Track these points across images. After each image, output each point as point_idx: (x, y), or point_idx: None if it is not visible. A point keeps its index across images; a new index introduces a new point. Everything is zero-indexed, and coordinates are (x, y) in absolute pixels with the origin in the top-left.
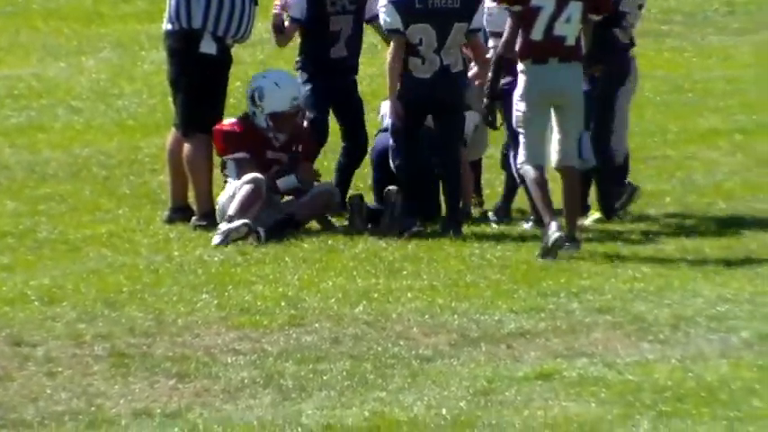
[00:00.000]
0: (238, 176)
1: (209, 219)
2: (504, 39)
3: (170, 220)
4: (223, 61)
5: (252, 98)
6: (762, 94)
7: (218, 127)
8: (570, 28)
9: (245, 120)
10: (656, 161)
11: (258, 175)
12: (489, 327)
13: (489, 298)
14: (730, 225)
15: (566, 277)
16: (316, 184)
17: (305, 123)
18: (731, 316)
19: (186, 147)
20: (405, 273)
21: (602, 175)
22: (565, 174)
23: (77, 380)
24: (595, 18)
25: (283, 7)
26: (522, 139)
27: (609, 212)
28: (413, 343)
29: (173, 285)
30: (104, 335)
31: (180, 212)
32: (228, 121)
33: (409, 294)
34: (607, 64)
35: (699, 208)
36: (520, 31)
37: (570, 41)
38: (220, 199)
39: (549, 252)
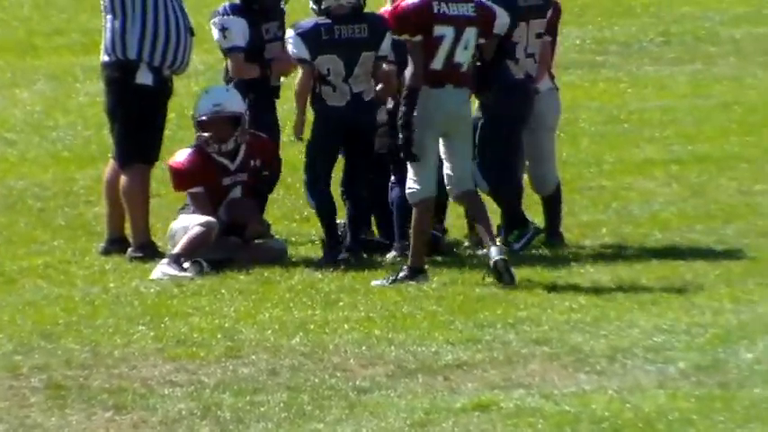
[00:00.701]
0: (195, 210)
1: (146, 250)
2: (411, 71)
3: (106, 252)
4: (160, 92)
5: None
6: (697, 124)
7: (171, 165)
8: (467, 54)
9: (199, 150)
10: (592, 191)
11: (211, 219)
12: (426, 358)
13: (426, 329)
14: (666, 255)
15: (502, 308)
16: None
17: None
18: (668, 347)
19: (123, 178)
20: (341, 304)
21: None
22: (466, 199)
23: (14, 411)
24: (483, 41)
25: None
26: (412, 168)
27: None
28: (350, 374)
29: (109, 317)
30: (41, 366)
31: (116, 244)
32: (183, 154)
33: (346, 326)
34: (496, 94)
35: (635, 238)
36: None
37: (465, 68)
38: (174, 225)
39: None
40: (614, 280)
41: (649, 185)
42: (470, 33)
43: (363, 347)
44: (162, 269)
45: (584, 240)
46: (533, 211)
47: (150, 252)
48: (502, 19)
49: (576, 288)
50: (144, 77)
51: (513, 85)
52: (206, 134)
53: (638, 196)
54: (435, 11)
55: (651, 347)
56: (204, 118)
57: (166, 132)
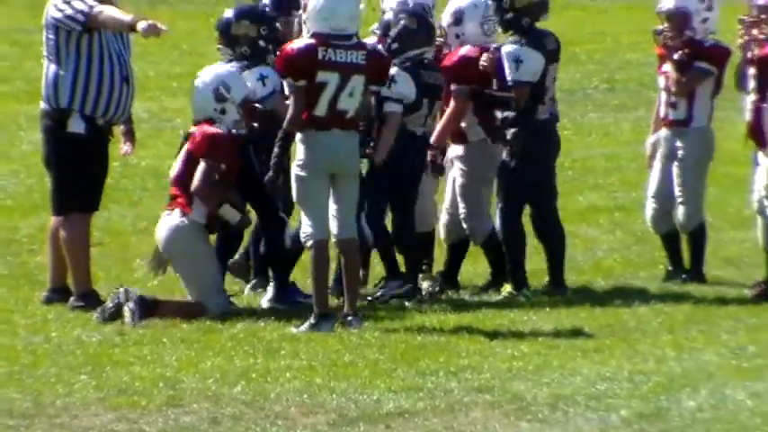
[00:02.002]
0: (203, 183)
1: (87, 300)
2: (289, 115)
3: (48, 301)
4: (94, 140)
5: (217, 94)
6: (641, 171)
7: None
8: (352, 101)
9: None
10: (536, 239)
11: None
12: (368, 406)
13: (368, 377)
14: (609, 303)
15: (444, 356)
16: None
17: None
18: (610, 394)
19: (62, 228)
20: (283, 352)
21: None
22: (345, 247)
23: None
24: (375, 89)
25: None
26: (303, 212)
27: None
28: (291, 423)
29: (51, 366)
30: None
31: (59, 293)
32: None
33: (288, 374)
34: (527, 138)
35: (578, 286)
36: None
37: (351, 114)
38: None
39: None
40: (557, 327)
41: (593, 233)
42: (357, 81)
43: (305, 396)
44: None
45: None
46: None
47: (92, 301)
48: (536, 65)
49: (518, 335)
50: (76, 126)
51: (542, 126)
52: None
53: (581, 243)
54: (320, 57)
55: (593, 395)
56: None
57: (109, 180)
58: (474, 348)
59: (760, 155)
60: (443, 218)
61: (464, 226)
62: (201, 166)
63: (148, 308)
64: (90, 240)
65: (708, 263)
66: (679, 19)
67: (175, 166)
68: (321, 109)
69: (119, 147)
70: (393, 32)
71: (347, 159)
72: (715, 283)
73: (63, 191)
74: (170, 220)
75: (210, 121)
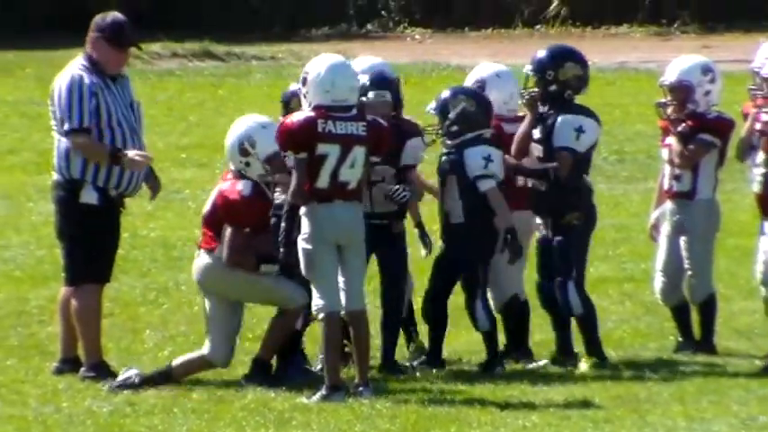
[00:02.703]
0: (231, 251)
1: (98, 370)
2: (292, 188)
3: (59, 372)
4: (107, 211)
5: (242, 149)
6: (650, 242)
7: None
8: (354, 173)
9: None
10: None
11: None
12: None
13: None
14: (620, 374)
15: (455, 427)
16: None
17: None
18: None
19: (74, 298)
20: (294, 423)
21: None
22: (353, 318)
23: None
24: (375, 160)
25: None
26: (313, 285)
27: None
28: None
29: None
30: None
31: (69, 364)
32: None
33: None
34: (583, 212)
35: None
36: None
37: (353, 185)
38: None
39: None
40: (568, 398)
41: (603, 303)
42: (358, 152)
43: None
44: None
45: (539, 358)
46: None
47: (103, 372)
48: (594, 136)
49: (529, 406)
50: (88, 197)
51: (590, 200)
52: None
53: None
54: (320, 129)
55: None
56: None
57: (120, 252)
58: (485, 419)
59: (766, 224)
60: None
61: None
62: (227, 233)
63: (165, 380)
64: (101, 311)
65: (718, 333)
66: (682, 91)
67: (206, 205)
68: (323, 181)
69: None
70: (452, 115)
71: (351, 230)
72: (726, 353)
73: (76, 261)
74: (198, 261)
75: (240, 174)
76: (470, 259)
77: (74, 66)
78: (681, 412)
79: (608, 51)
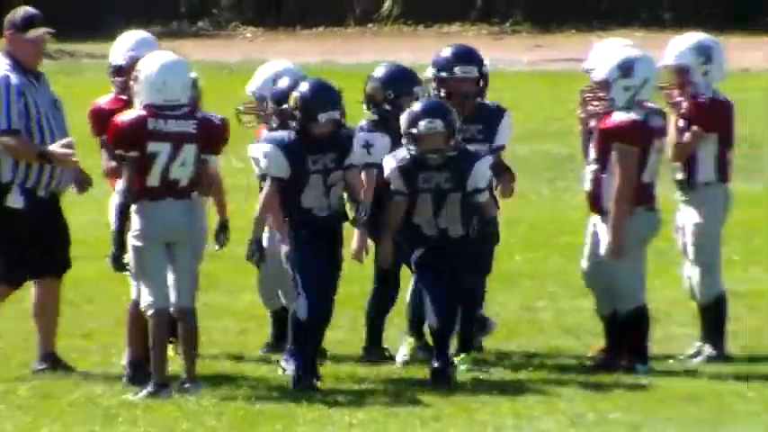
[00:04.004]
0: None
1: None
2: (123, 186)
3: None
4: (32, 213)
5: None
6: None
7: None
8: (185, 171)
9: None
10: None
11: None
12: None
13: None
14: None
15: (282, 424)
16: None
17: None
18: None
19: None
20: (120, 419)
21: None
22: (181, 315)
23: None
24: (213, 157)
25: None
26: (143, 282)
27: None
28: None
29: None
30: None
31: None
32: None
33: None
34: None
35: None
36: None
37: (184, 183)
38: None
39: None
40: (396, 396)
41: None
42: (189, 150)
43: None
44: None
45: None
46: None
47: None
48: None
49: (356, 403)
50: (14, 201)
51: None
52: None
53: None
54: (150, 127)
55: None
56: None
57: None
58: (312, 416)
59: (593, 222)
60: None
61: None
62: None
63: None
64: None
65: (546, 332)
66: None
67: None
68: (154, 179)
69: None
70: None
71: (181, 228)
72: (555, 352)
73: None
74: None
75: None
76: None
77: None
78: (509, 410)
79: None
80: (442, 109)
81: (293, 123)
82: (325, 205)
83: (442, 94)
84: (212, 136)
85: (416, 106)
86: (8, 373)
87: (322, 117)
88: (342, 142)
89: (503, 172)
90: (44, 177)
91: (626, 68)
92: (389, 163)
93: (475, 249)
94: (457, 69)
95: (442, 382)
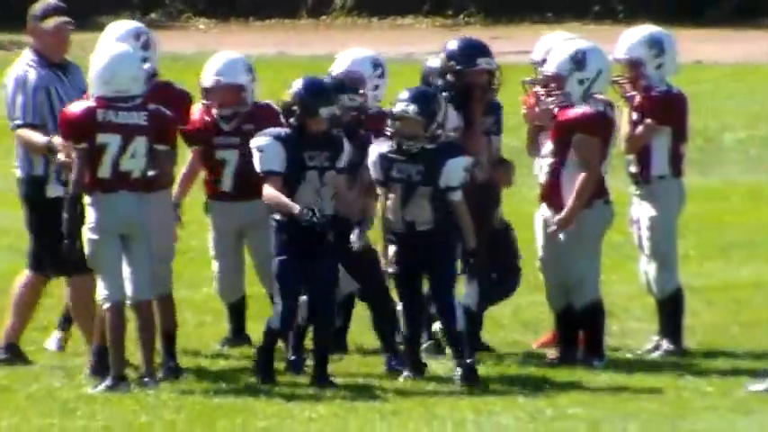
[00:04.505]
0: None
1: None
2: (73, 177)
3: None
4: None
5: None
6: None
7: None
8: (136, 162)
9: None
10: None
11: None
12: None
13: None
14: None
15: (242, 418)
16: None
17: None
18: None
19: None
20: (79, 413)
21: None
22: (138, 308)
23: None
24: (161, 148)
25: None
26: (98, 275)
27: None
28: None
29: None
30: None
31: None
32: None
33: None
34: None
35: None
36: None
37: (136, 174)
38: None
39: None
40: (355, 390)
41: None
42: (139, 142)
43: None
44: None
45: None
46: None
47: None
48: None
49: (315, 397)
50: (55, 190)
51: None
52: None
53: None
54: (100, 119)
55: None
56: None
57: None
58: (271, 410)
59: (541, 214)
60: None
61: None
62: None
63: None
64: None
65: (506, 327)
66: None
67: None
68: (105, 171)
69: None
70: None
71: (134, 220)
72: (514, 346)
73: (42, 251)
74: None
75: None
76: None
77: (21, 62)
78: (469, 405)
79: (395, 42)
80: (421, 96)
81: (291, 119)
82: (317, 207)
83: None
84: (164, 127)
85: (403, 90)
86: None
87: (323, 112)
88: (335, 142)
89: (503, 162)
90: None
91: (579, 61)
92: (374, 150)
93: (446, 245)
94: (480, 61)
95: (472, 381)
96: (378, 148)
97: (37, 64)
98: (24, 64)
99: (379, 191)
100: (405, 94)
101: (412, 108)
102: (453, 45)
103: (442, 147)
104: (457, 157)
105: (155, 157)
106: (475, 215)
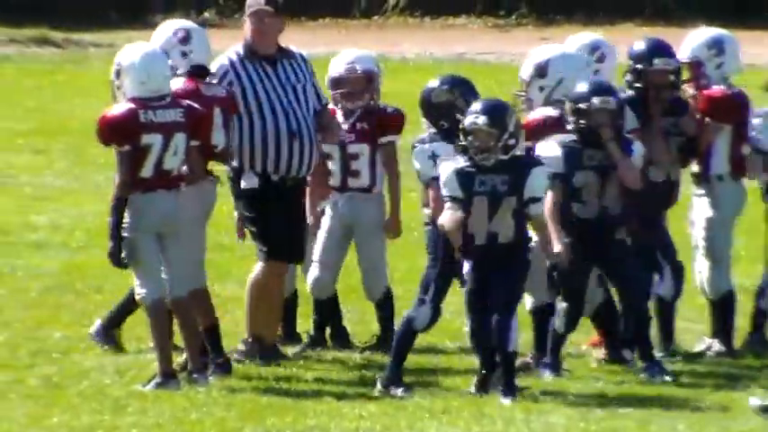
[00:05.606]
0: None
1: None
2: (118, 180)
3: None
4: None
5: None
6: None
7: None
8: (176, 160)
9: None
10: None
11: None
12: None
13: None
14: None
15: (291, 416)
16: None
17: None
18: None
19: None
20: (130, 409)
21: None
22: (177, 306)
23: None
24: (194, 144)
25: None
26: (136, 274)
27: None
28: None
29: None
30: None
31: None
32: None
33: (134, 431)
34: None
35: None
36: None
37: (175, 172)
38: None
39: None
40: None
41: None
42: (179, 139)
43: None
44: None
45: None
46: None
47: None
48: None
49: (365, 396)
50: (248, 182)
51: None
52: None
53: None
54: (142, 119)
55: None
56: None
57: None
58: (321, 408)
59: None
60: None
61: None
62: None
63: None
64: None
65: None
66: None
67: None
68: (147, 171)
69: None
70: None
71: (171, 219)
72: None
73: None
74: None
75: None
76: None
77: (226, 53)
78: (518, 404)
79: (446, 42)
80: (491, 107)
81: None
82: None
83: (636, 87)
84: (199, 123)
85: (474, 102)
86: (16, 361)
87: None
88: None
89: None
90: (269, 161)
91: (540, 68)
92: (447, 167)
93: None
94: (657, 61)
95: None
96: (451, 165)
97: (239, 57)
98: (225, 56)
99: (449, 207)
100: (475, 107)
101: (482, 120)
102: (638, 45)
103: (524, 156)
104: (539, 166)
105: (187, 153)
106: (650, 214)
